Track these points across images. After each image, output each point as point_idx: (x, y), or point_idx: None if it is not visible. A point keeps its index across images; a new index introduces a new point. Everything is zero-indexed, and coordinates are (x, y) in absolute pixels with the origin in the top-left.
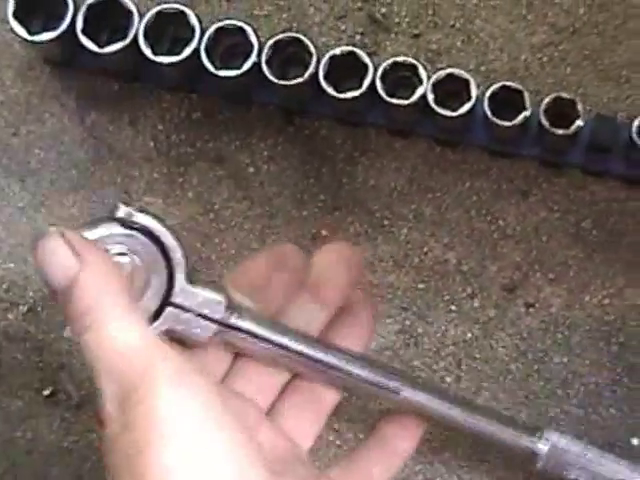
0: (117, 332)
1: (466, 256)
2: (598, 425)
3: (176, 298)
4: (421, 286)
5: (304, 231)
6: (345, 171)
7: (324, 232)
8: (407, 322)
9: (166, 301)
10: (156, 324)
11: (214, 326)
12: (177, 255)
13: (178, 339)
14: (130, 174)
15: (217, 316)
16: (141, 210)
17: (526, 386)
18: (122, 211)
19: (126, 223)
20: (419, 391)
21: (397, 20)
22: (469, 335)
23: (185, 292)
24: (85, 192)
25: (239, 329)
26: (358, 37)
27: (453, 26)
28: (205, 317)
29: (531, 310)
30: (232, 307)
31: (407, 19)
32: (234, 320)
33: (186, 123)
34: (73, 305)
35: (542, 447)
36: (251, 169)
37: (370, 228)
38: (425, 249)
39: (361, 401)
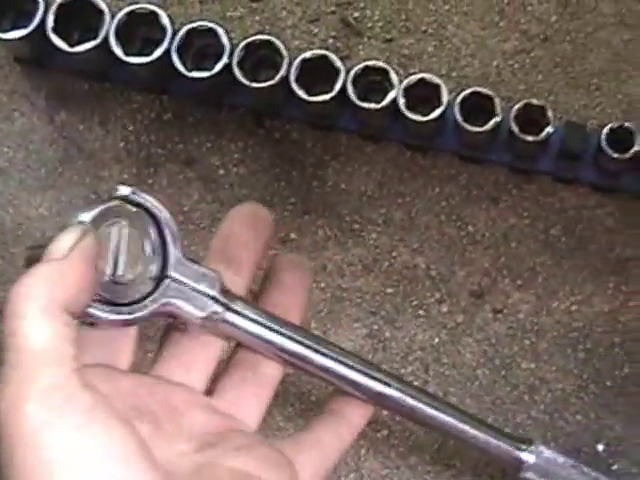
0: (28, 330)
1: (435, 261)
2: (564, 431)
3: (172, 271)
4: (389, 291)
5: (273, 234)
6: (315, 175)
7: (293, 235)
8: (375, 326)
9: (163, 275)
10: (152, 297)
11: (210, 304)
12: (172, 230)
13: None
14: (99, 174)
15: (213, 292)
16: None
17: (493, 392)
18: (121, 191)
19: (124, 200)
20: (409, 394)
21: (370, 24)
22: (437, 340)
23: (181, 265)
24: (54, 192)
25: (234, 311)
26: (330, 41)
27: (425, 31)
28: (200, 294)
29: (499, 316)
30: (227, 291)
31: (380, 24)
32: (229, 301)
33: (156, 124)
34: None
35: (529, 457)
36: (221, 171)
37: (339, 232)
38: (394, 254)
39: None
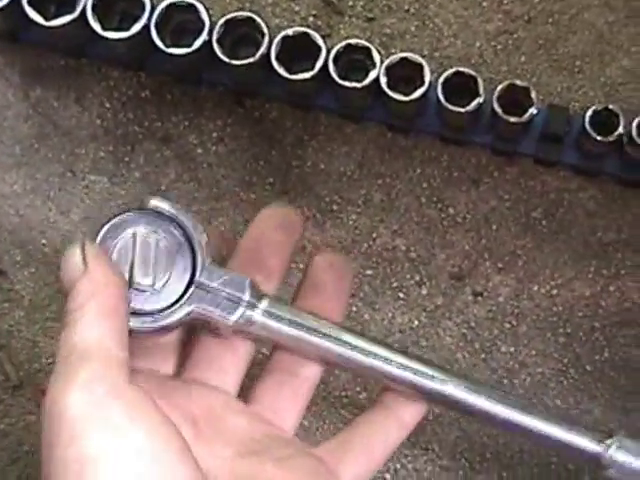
0: (80, 330)
1: (415, 243)
2: None
3: (200, 277)
4: (369, 272)
5: (252, 214)
6: (295, 154)
7: None
8: (354, 308)
9: (191, 281)
10: (181, 303)
11: (239, 309)
12: (200, 237)
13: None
14: (75, 152)
15: (244, 295)
16: (165, 197)
17: (472, 375)
18: (151, 203)
19: (152, 211)
20: (469, 389)
21: (351, 3)
22: (416, 323)
23: (209, 271)
24: (28, 169)
25: (266, 312)
26: (311, 19)
27: (407, 11)
28: (230, 299)
29: (479, 299)
30: (256, 293)
31: (361, 2)
32: (260, 304)
33: (134, 101)
34: (67, 304)
35: (612, 452)
36: (199, 150)
37: (318, 213)
38: (374, 235)
39: None
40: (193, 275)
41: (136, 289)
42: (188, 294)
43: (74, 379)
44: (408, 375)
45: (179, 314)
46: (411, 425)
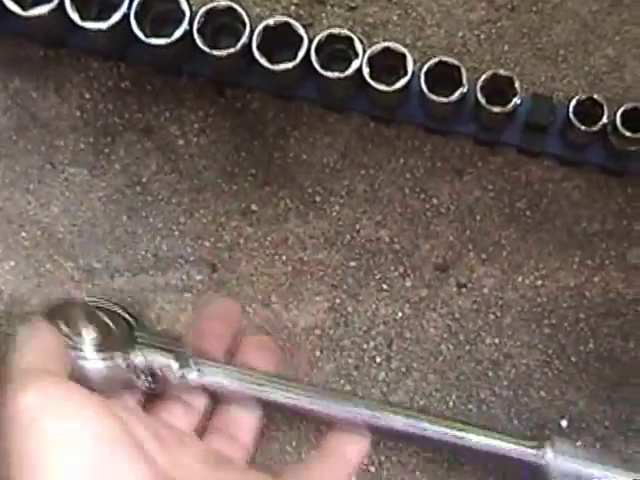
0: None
1: (398, 234)
2: (528, 407)
3: (139, 350)
4: (352, 264)
5: (234, 206)
6: (277, 145)
7: (254, 207)
8: (337, 300)
9: (128, 353)
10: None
11: (179, 370)
12: (134, 315)
13: None
14: (55, 144)
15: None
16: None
17: (457, 367)
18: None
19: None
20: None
21: None
22: (400, 315)
23: (148, 341)
24: (7, 161)
25: (203, 370)
26: (293, 8)
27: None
28: (169, 362)
29: (463, 290)
30: (188, 362)
31: None
32: (193, 376)
33: (114, 92)
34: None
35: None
36: (180, 141)
37: (301, 204)
38: (357, 226)
39: None
40: (132, 347)
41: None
42: (127, 364)
43: (29, 381)
44: (339, 412)
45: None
46: (356, 462)
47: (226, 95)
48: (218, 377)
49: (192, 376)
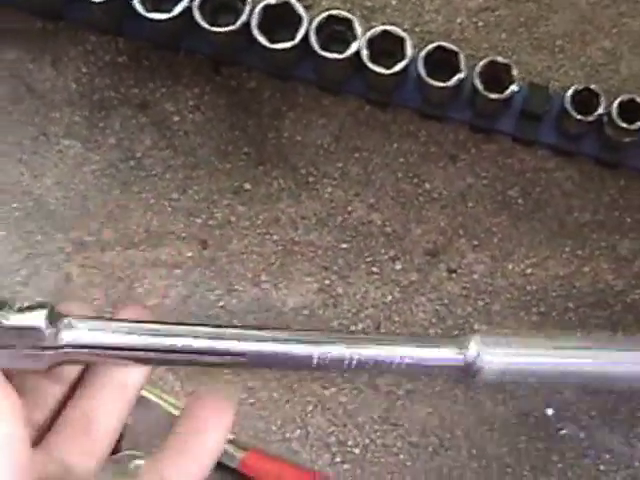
0: None
1: (390, 218)
2: (515, 395)
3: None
4: (343, 246)
5: (227, 184)
6: (271, 125)
7: (247, 186)
8: (327, 282)
9: None
10: None
11: (48, 353)
12: None
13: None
14: (49, 116)
15: (43, 343)
16: None
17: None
18: None
19: None
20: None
21: None
22: (389, 298)
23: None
24: (1, 131)
25: (75, 346)
26: None
27: None
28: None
29: (453, 276)
30: (59, 323)
31: None
32: (65, 337)
33: (111, 67)
34: None
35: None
36: (176, 117)
37: (294, 184)
38: (349, 209)
39: None
40: None
41: None
42: None
43: None
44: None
45: None
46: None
47: (222, 73)
48: (99, 333)
49: (66, 335)
